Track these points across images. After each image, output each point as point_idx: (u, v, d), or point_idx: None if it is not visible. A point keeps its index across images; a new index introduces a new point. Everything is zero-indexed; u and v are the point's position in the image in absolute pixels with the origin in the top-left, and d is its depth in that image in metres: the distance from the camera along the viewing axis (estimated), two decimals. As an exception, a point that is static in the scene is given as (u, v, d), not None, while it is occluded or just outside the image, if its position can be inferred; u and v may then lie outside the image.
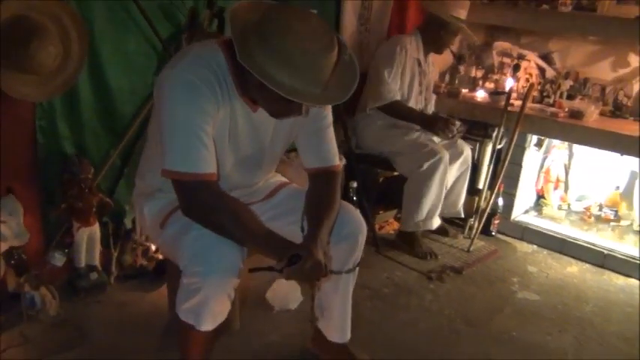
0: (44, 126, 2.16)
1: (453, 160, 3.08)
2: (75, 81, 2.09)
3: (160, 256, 2.45)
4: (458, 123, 3.10)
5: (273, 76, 1.38)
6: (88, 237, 2.28)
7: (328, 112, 1.79)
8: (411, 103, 3.16)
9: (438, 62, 3.72)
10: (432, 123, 3.07)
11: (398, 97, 3.07)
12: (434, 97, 3.39)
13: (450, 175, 3.11)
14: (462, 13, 3.03)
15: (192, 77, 1.48)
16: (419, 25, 3.20)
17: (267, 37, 1.40)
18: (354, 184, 2.98)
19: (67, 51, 1.98)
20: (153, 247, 2.48)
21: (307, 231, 1.64)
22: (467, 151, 3.17)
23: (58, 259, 2.23)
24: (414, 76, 3.14)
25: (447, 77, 3.88)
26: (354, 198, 2.96)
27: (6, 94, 1.88)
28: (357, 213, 1.86)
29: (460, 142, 3.18)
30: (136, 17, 2.26)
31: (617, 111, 3.51)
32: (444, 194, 3.07)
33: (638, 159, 3.17)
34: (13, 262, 2.09)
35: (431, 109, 3.35)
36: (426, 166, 2.95)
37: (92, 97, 2.25)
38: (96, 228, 2.30)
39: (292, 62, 1.38)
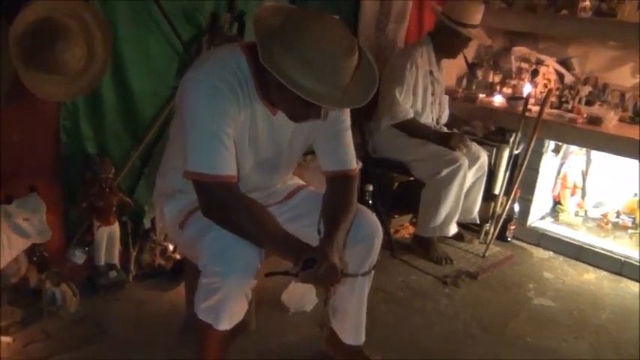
0: (68, 126, 2.21)
1: (469, 165, 3.06)
2: (99, 82, 2.13)
3: (178, 256, 2.49)
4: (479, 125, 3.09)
5: (293, 78, 1.40)
6: (108, 236, 2.31)
7: (346, 115, 1.81)
8: (426, 114, 3.15)
9: (455, 66, 3.73)
10: (446, 139, 3.04)
11: (411, 115, 3.05)
12: (447, 100, 3.35)
13: (466, 181, 3.11)
14: (476, 18, 2.98)
15: (214, 80, 1.51)
16: (430, 30, 3.17)
17: (289, 39, 1.42)
18: (370, 188, 2.98)
19: (91, 52, 2.01)
20: (171, 247, 2.51)
21: (323, 234, 1.66)
22: (483, 156, 3.16)
23: (79, 257, 2.28)
24: (426, 89, 3.11)
25: (464, 82, 3.88)
26: (370, 201, 2.97)
27: (31, 93, 1.92)
28: (373, 216, 1.87)
29: (476, 147, 3.17)
30: (158, 19, 2.30)
31: (637, 117, 3.47)
32: (461, 201, 3.07)
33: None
34: (35, 258, 2.13)
35: (446, 116, 3.34)
36: (444, 172, 2.94)
37: (114, 99, 2.30)
38: (116, 227, 2.33)
39: (313, 64, 1.41)
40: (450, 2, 3.02)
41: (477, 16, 2.99)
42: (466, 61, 3.31)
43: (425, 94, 3.12)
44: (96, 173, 2.23)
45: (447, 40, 3.04)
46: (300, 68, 1.41)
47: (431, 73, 3.11)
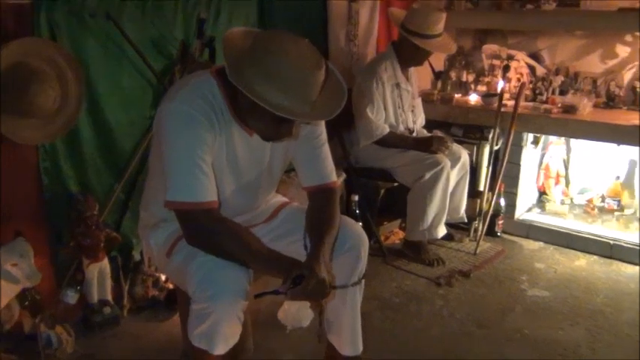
0: (48, 167, 2.21)
1: (451, 166, 3.09)
2: (75, 121, 2.15)
3: (171, 286, 2.49)
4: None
5: (261, 94, 1.44)
6: (99, 272, 2.31)
7: (322, 130, 1.84)
8: (402, 126, 3.19)
9: (429, 69, 3.77)
10: (426, 144, 3.06)
11: (387, 130, 3.07)
12: (420, 104, 3.37)
13: (450, 182, 3.14)
14: (437, 28, 2.97)
15: (188, 109, 1.54)
16: (394, 41, 3.18)
17: (257, 56, 1.46)
18: (356, 198, 3.01)
19: (65, 92, 2.05)
20: (163, 277, 2.52)
21: (309, 249, 1.67)
22: (464, 155, 3.20)
23: (71, 297, 2.27)
24: (396, 102, 3.14)
25: (439, 84, 3.93)
26: (357, 211, 3.00)
27: (9, 139, 1.94)
28: (357, 226, 1.89)
29: (457, 147, 3.20)
30: (129, 52, 2.33)
31: (610, 102, 3.54)
32: (447, 202, 3.10)
33: (637, 147, 3.22)
34: (27, 303, 2.12)
35: (422, 120, 3.37)
36: (428, 176, 2.96)
37: (92, 135, 2.31)
38: (105, 263, 2.34)
39: (281, 79, 1.44)
40: (409, 13, 3.03)
41: (437, 26, 2.97)
42: (432, 69, 3.31)
43: (396, 108, 3.14)
44: (80, 211, 2.24)
45: (409, 53, 3.05)
46: (269, 84, 1.44)
47: (397, 85, 3.13)
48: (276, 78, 1.44)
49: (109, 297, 2.37)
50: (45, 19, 2.08)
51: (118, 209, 2.48)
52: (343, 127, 3.17)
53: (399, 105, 3.16)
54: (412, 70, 3.26)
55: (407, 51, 3.06)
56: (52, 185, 2.23)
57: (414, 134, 3.26)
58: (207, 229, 1.57)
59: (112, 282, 2.39)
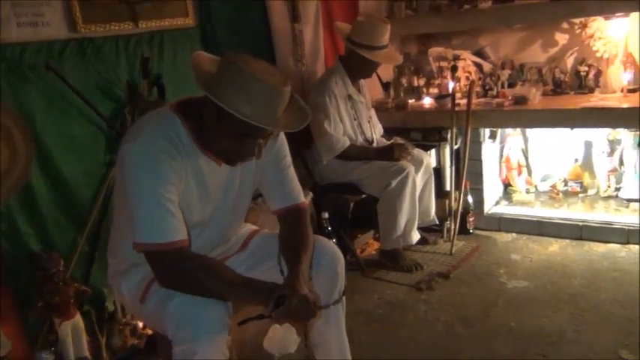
0: (5, 229, 2.13)
1: (415, 170, 3.11)
2: (27, 178, 2.09)
3: (150, 332, 2.41)
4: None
5: (232, 105, 1.45)
6: (72, 329, 2.22)
7: (286, 152, 1.84)
8: (361, 137, 3.20)
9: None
10: (388, 153, 3.08)
11: (347, 143, 3.07)
12: (374, 114, 3.40)
13: (417, 186, 3.15)
14: (382, 39, 3.00)
15: (150, 148, 1.52)
16: (341, 55, 3.21)
17: (226, 73, 1.49)
18: (326, 215, 2.99)
19: (13, 152, 1.99)
20: (140, 324, 2.44)
21: (287, 270, 1.65)
22: (426, 159, 3.23)
23: (47, 359, 2.18)
24: (351, 114, 3.16)
25: (392, 91, 3.97)
26: (329, 228, 2.98)
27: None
28: (330, 244, 1.87)
29: (418, 151, 3.23)
30: (75, 101, 2.28)
31: (558, 88, 3.64)
32: (417, 207, 3.11)
33: (590, 129, 3.31)
34: (0, 373, 2.03)
35: (380, 130, 3.39)
36: (394, 183, 2.97)
37: (48, 189, 2.25)
38: (78, 319, 2.25)
39: (248, 92, 1.46)
40: (354, 26, 3.06)
41: (383, 37, 3.00)
42: (380, 81, 3.33)
43: (351, 120, 3.16)
44: (45, 269, 2.15)
45: (356, 65, 3.08)
46: (237, 96, 1.46)
47: (350, 97, 3.14)
48: (245, 91, 1.46)
49: (87, 353, 2.27)
50: (-17, 78, 2.02)
51: (84, 262, 2.39)
52: (303, 146, 3.16)
53: (355, 117, 3.18)
54: (363, 82, 3.29)
55: (355, 63, 3.08)
56: (12, 247, 2.15)
57: (374, 144, 3.27)
58: (178, 268, 1.53)
59: (88, 337, 2.30)
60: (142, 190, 1.52)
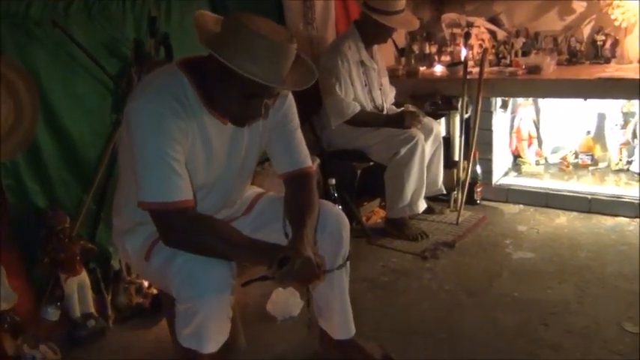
0: (12, 185, 2.14)
1: (424, 139, 3.08)
2: (33, 135, 2.08)
3: (155, 291, 2.43)
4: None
5: (238, 63, 1.42)
6: (78, 286, 2.25)
7: (294, 116, 1.82)
8: (371, 104, 3.16)
9: (391, 45, 3.74)
10: (399, 120, 3.04)
11: (358, 108, 3.03)
12: (388, 82, 3.35)
13: (425, 155, 3.12)
14: (399, 4, 2.94)
15: (156, 107, 1.50)
16: (356, 19, 3.16)
17: (231, 32, 1.46)
18: (333, 181, 2.95)
19: (18, 107, 1.97)
20: (145, 284, 2.46)
21: (292, 233, 1.65)
22: (436, 127, 3.18)
23: (52, 314, 2.20)
24: (362, 80, 3.11)
25: (403, 59, 3.90)
26: (335, 195, 2.96)
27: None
28: (336, 209, 1.87)
29: (427, 119, 3.18)
30: (81, 58, 2.25)
31: (573, 58, 3.57)
32: (425, 176, 3.08)
33: (603, 100, 3.25)
34: (6, 326, 2.05)
35: (392, 98, 3.34)
36: (403, 151, 2.94)
37: (54, 147, 2.24)
38: (84, 275, 2.27)
39: (253, 50, 1.44)
40: None
41: (399, 2, 2.94)
42: (396, 46, 3.27)
43: (363, 85, 3.11)
44: (51, 226, 2.17)
45: (372, 30, 3.02)
46: (242, 55, 1.43)
47: (362, 63, 3.09)
48: (249, 49, 1.43)
49: (92, 310, 2.31)
50: (-13, 34, 2.00)
51: (91, 220, 2.41)
52: (312, 112, 3.12)
53: (366, 83, 3.13)
54: (376, 48, 3.23)
55: (370, 29, 3.02)
56: (18, 203, 2.16)
57: (385, 112, 3.23)
58: (183, 228, 1.53)
59: (94, 294, 2.33)
60: (147, 148, 1.50)
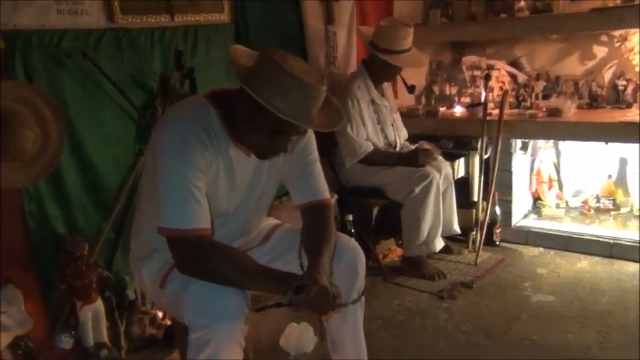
0: (33, 211, 2.17)
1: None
2: (58, 162, 2.12)
3: (169, 322, 2.42)
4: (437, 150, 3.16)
5: (269, 100, 1.45)
6: (93, 314, 2.25)
7: (314, 148, 1.84)
8: (384, 142, 3.17)
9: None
10: (412, 158, 3.04)
11: (371, 148, 3.05)
12: (400, 119, 3.36)
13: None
14: (405, 43, 2.98)
15: (183, 134, 1.53)
16: (364, 59, 3.20)
17: (263, 68, 1.49)
18: (350, 217, 2.97)
19: (45, 133, 2.01)
20: (160, 315, 2.45)
21: (308, 262, 1.65)
22: (446, 168, 3.17)
23: (66, 342, 2.20)
24: (374, 118, 3.13)
25: (423, 99, 3.94)
26: (352, 231, 2.96)
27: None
28: (352, 242, 1.86)
29: (438, 160, 3.17)
30: (109, 90, 2.31)
31: (594, 102, 3.56)
32: (441, 213, 3.07)
33: (625, 144, 3.22)
34: (20, 352, 2.05)
35: (404, 135, 3.35)
36: (418, 190, 2.94)
37: (77, 174, 2.28)
38: (99, 304, 2.27)
39: (285, 88, 1.46)
40: (376, 30, 3.03)
41: (406, 41, 2.97)
42: (405, 84, 3.31)
43: (374, 124, 3.13)
44: (70, 252, 2.18)
45: (380, 69, 3.06)
46: (274, 91, 1.46)
47: (373, 102, 3.12)
48: (281, 87, 1.46)
49: (106, 339, 2.29)
50: (20, 62, 2.06)
51: (109, 248, 2.42)
52: (330, 148, 3.15)
53: (378, 121, 3.15)
54: (386, 85, 3.27)
55: (378, 68, 3.06)
56: (39, 228, 2.18)
57: (398, 149, 3.24)
58: (198, 256, 1.54)
59: (108, 323, 2.32)
60: (171, 175, 1.53)
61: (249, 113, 1.53)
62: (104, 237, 2.35)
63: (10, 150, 1.90)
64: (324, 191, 1.85)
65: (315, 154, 1.84)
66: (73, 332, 2.22)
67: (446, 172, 3.16)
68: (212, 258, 1.53)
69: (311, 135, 1.82)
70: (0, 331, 1.95)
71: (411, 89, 3.34)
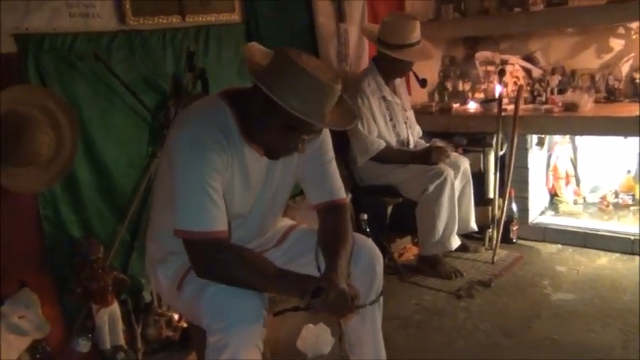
0: (49, 215, 2.17)
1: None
2: (72, 165, 2.11)
3: (185, 324, 2.41)
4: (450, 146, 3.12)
5: (281, 97, 1.43)
6: (109, 317, 2.24)
7: (329, 147, 1.82)
8: (396, 139, 3.14)
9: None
10: (426, 157, 3.00)
11: (383, 145, 3.02)
12: (413, 116, 3.32)
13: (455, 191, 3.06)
14: (412, 37, 2.92)
15: (199, 134, 1.52)
16: (374, 57, 3.15)
17: (278, 66, 1.48)
18: (365, 217, 2.94)
19: (59, 137, 2.01)
20: (176, 317, 2.45)
21: (325, 264, 1.63)
22: (464, 164, 3.14)
23: (83, 345, 2.20)
24: (386, 115, 3.09)
25: (436, 95, 3.90)
26: (367, 230, 2.93)
27: (7, 189, 1.90)
28: (370, 242, 1.84)
29: (455, 156, 3.15)
30: (121, 92, 2.31)
31: (611, 96, 3.49)
32: (456, 211, 3.03)
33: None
34: (38, 356, 2.05)
35: (418, 131, 3.30)
36: (432, 188, 2.90)
37: (91, 177, 2.28)
38: (115, 307, 2.27)
39: (299, 86, 1.45)
40: (381, 27, 2.98)
41: (412, 34, 2.91)
42: (417, 78, 3.27)
43: (386, 121, 3.10)
44: (85, 256, 2.18)
45: (389, 65, 3.01)
46: (288, 90, 1.44)
47: (384, 98, 3.08)
48: (296, 85, 1.45)
49: (122, 342, 2.29)
50: (33, 66, 2.07)
51: (124, 251, 2.42)
52: (344, 147, 3.12)
53: (390, 118, 3.12)
54: (398, 82, 3.23)
55: (387, 64, 3.02)
56: (54, 232, 2.19)
57: (411, 146, 3.20)
58: (215, 259, 1.52)
59: (124, 326, 2.32)
60: (187, 176, 1.51)
61: (263, 111, 1.51)
62: (119, 240, 2.34)
63: (26, 154, 1.90)
64: (340, 190, 1.84)
65: (331, 153, 1.83)
66: (89, 335, 2.22)
67: (464, 167, 3.12)
68: (229, 261, 1.52)
69: (326, 134, 1.80)
70: (18, 335, 1.94)
71: (422, 83, 3.30)
